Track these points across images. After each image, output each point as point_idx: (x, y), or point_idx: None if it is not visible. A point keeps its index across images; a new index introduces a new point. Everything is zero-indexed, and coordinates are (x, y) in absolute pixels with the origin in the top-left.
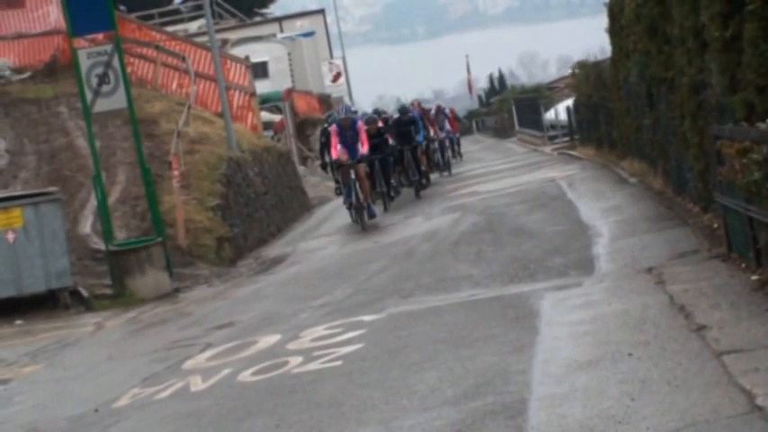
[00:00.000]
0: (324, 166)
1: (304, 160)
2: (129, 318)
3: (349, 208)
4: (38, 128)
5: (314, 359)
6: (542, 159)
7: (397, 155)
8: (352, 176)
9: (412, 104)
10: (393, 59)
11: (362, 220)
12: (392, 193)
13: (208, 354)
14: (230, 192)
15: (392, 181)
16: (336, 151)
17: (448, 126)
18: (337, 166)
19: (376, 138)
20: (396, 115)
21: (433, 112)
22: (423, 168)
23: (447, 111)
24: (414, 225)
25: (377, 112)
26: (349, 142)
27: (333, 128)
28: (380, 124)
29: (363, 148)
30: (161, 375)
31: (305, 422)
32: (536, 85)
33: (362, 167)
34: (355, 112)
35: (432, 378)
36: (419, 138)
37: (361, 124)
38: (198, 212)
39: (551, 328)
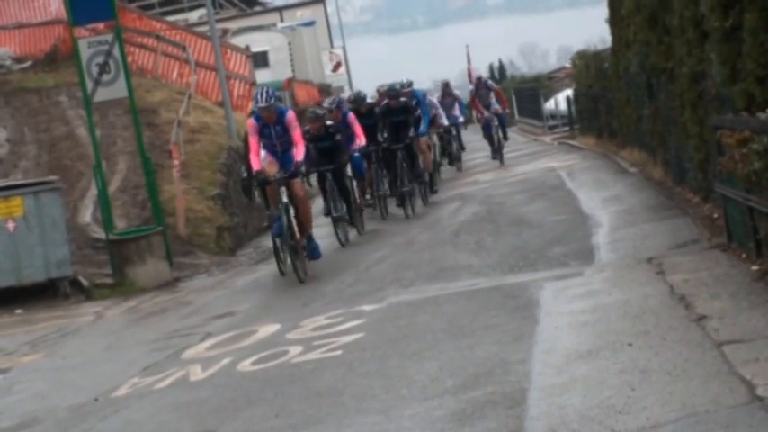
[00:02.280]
0: (246, 188)
1: None
2: (129, 307)
3: (276, 250)
4: (38, 117)
5: (314, 348)
6: (542, 149)
7: (386, 155)
8: (284, 199)
9: (446, 84)
10: (393, 49)
11: (299, 267)
12: (354, 222)
13: (207, 343)
14: (230, 181)
15: (365, 198)
16: (258, 160)
17: (496, 104)
18: (261, 183)
19: (325, 140)
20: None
21: (472, 87)
22: (420, 170)
23: (491, 84)
24: (414, 215)
25: (357, 96)
26: (278, 146)
27: (250, 123)
28: (329, 122)
29: (297, 153)
30: (161, 365)
31: (305, 411)
32: (536, 75)
33: (300, 184)
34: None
35: (432, 368)
36: (422, 128)
37: (291, 116)
38: (198, 202)
39: (551, 317)
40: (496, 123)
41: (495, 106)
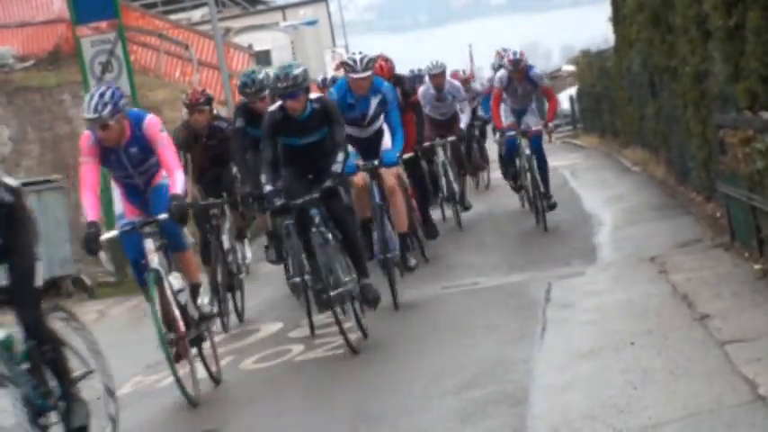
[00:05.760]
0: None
1: None
2: (132, 305)
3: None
4: (41, 116)
5: (315, 347)
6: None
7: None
8: (154, 264)
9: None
10: (396, 48)
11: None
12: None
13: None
14: None
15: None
16: (96, 203)
17: (535, 113)
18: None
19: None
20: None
21: (498, 73)
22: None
23: (537, 74)
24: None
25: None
26: (136, 178)
27: (83, 144)
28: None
29: (172, 184)
30: (164, 363)
31: (306, 410)
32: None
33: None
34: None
35: (433, 367)
36: (390, 151)
37: (153, 125)
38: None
39: (553, 316)
40: (528, 151)
41: (533, 118)
